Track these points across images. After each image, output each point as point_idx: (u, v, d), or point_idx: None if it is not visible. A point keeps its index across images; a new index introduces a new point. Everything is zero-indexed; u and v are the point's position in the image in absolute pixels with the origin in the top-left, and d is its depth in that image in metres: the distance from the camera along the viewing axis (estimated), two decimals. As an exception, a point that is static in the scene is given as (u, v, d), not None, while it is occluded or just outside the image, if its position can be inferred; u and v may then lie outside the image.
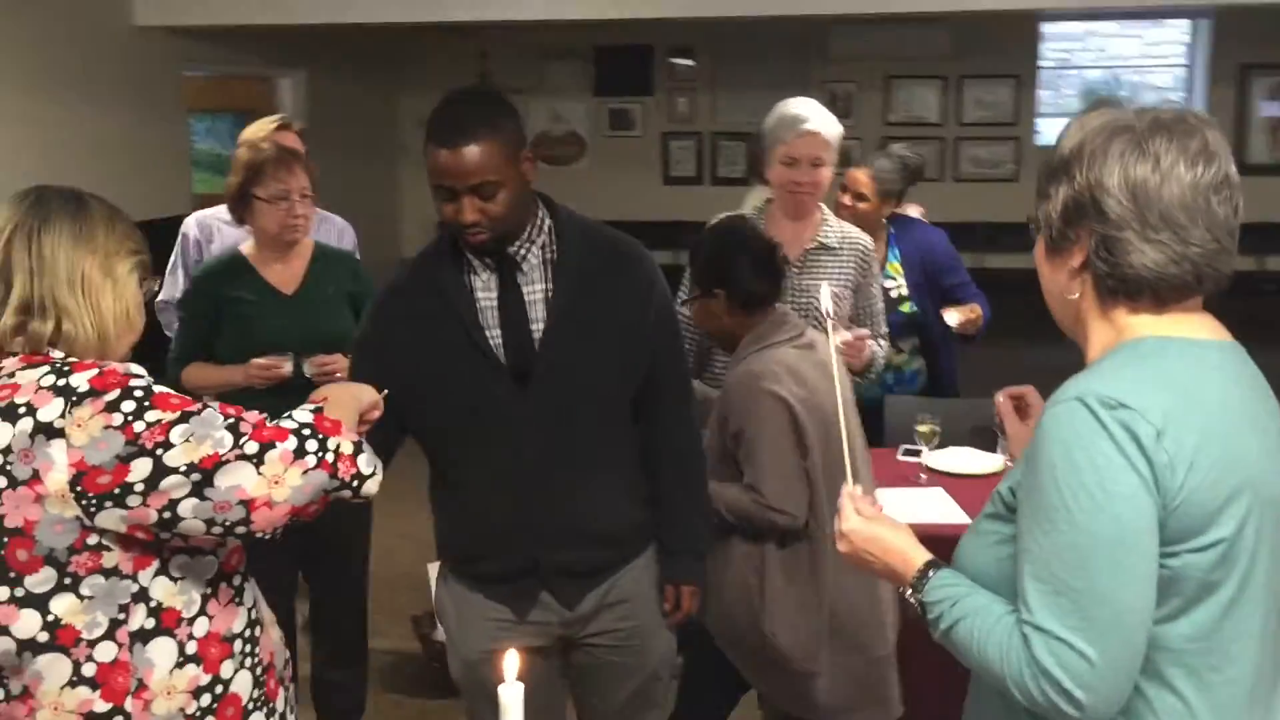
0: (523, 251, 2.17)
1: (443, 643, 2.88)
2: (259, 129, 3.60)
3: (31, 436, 1.57)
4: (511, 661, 1.20)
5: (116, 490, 1.56)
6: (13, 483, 1.58)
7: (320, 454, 1.63)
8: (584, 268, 2.18)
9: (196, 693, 1.68)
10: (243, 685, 1.75)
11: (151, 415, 1.59)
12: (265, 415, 1.68)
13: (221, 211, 3.60)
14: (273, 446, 1.61)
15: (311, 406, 1.72)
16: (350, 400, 1.78)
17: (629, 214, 8.34)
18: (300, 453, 1.62)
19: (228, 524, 1.60)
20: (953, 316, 3.68)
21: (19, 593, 1.61)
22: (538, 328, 2.16)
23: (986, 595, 1.38)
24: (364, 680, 3.40)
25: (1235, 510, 1.30)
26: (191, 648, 1.69)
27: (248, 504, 1.58)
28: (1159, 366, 1.33)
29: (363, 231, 4.04)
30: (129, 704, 1.64)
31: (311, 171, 3.14)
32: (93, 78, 6.26)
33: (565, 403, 2.17)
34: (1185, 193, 1.32)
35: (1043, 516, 1.30)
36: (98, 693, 1.63)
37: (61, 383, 1.60)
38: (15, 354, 1.67)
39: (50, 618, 1.61)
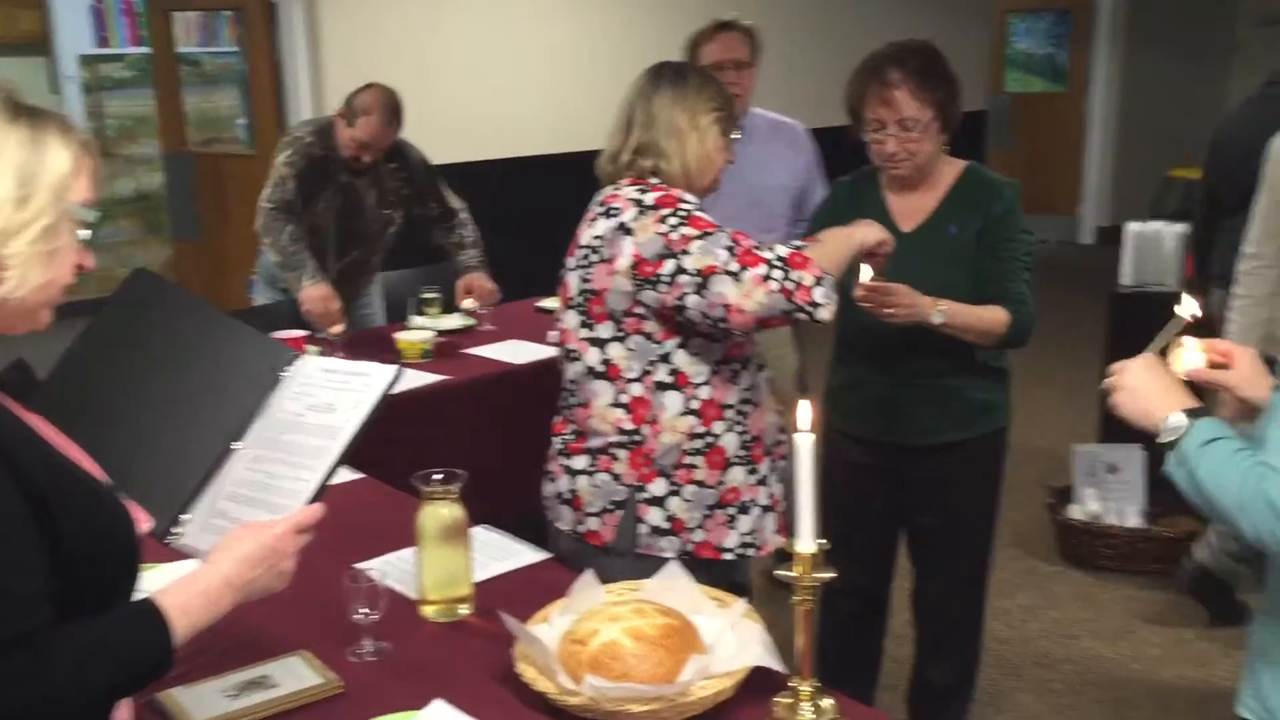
0: None
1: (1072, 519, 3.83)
2: None
3: (615, 230, 2.18)
4: (804, 412, 1.40)
5: (653, 277, 2.14)
6: (601, 259, 2.19)
7: (784, 282, 2.09)
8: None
9: (692, 436, 2.23)
10: (729, 443, 2.27)
11: (685, 230, 2.13)
12: (755, 243, 2.11)
13: None
14: (747, 269, 2.09)
15: (795, 245, 2.16)
16: (840, 241, 2.24)
17: None
18: (767, 278, 2.09)
19: (713, 319, 2.13)
20: None
21: (590, 334, 2.23)
22: None
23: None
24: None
25: None
26: (694, 404, 2.22)
27: (726, 307, 2.10)
28: None
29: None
30: (645, 429, 2.22)
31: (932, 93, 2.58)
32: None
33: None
34: None
35: None
36: (629, 416, 2.23)
37: (640, 197, 2.19)
38: (628, 177, 2.28)
39: (605, 356, 2.22)
